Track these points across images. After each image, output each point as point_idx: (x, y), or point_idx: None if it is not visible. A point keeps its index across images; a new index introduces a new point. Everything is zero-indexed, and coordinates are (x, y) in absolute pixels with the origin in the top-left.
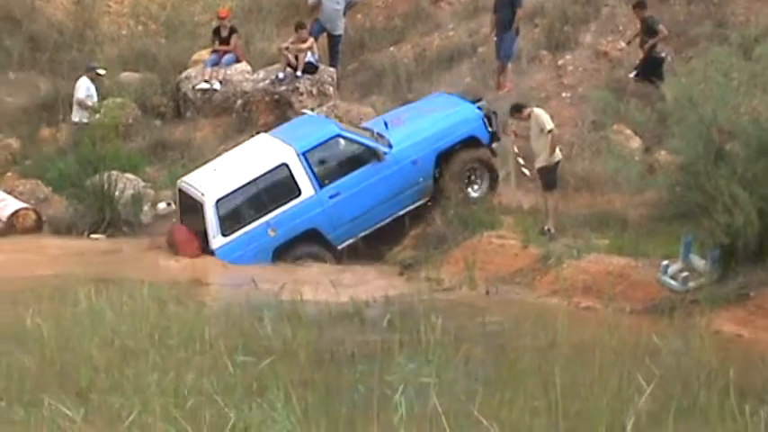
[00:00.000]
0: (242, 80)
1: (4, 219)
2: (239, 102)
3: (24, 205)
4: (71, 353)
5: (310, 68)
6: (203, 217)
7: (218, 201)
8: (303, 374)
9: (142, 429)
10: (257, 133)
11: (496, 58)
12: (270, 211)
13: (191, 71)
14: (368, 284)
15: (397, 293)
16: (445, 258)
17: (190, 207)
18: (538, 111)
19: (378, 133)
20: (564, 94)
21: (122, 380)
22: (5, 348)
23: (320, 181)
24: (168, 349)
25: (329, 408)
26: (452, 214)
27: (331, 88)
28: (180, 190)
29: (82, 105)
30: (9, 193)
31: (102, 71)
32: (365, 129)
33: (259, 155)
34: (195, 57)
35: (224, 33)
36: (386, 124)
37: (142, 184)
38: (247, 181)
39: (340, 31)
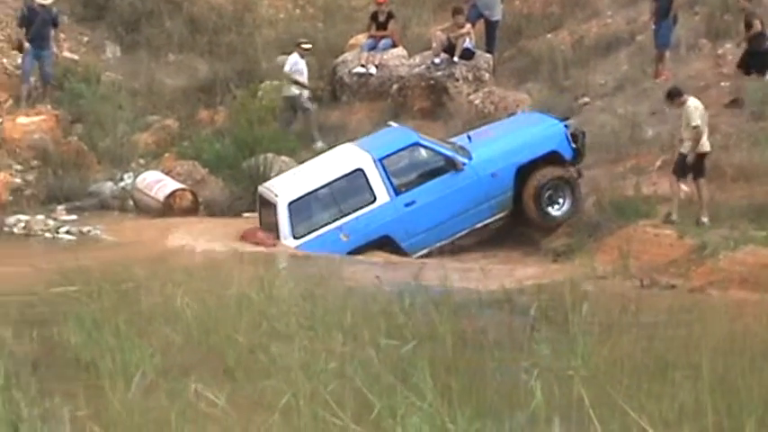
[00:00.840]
0: (398, 65)
1: (162, 199)
2: (395, 86)
3: (181, 186)
4: (218, 334)
5: (467, 54)
6: (277, 219)
7: (290, 203)
8: (447, 360)
9: (287, 414)
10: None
11: (654, 47)
12: (343, 216)
13: (347, 55)
14: (519, 271)
15: (548, 281)
16: (599, 247)
17: (267, 210)
18: (692, 102)
19: (459, 146)
20: (723, 84)
21: (268, 362)
22: (154, 327)
23: (396, 188)
24: (314, 333)
25: (473, 394)
26: (607, 202)
27: (487, 74)
28: (260, 195)
29: (288, 79)
30: (167, 173)
31: (307, 45)
32: (448, 142)
33: (336, 161)
34: (352, 41)
35: (381, 18)
36: (469, 138)
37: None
38: (321, 185)
39: (498, 17)
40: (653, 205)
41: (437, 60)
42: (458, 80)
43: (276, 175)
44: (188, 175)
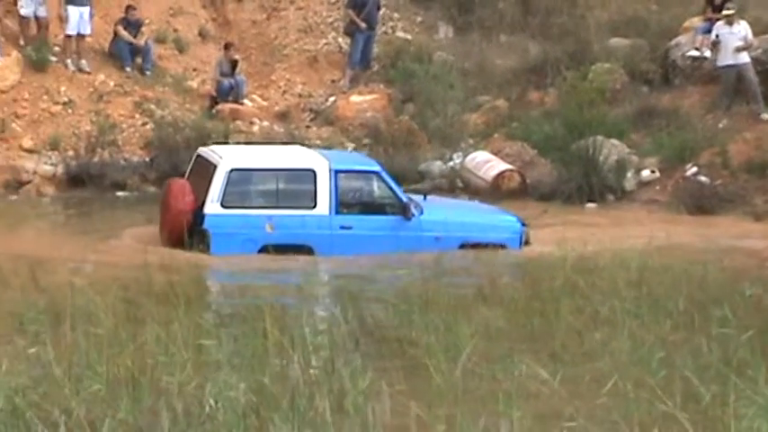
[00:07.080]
0: None
1: (490, 179)
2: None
3: (509, 167)
4: (542, 316)
5: None
6: (211, 180)
7: (232, 169)
8: None
9: (617, 397)
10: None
11: None
12: (278, 208)
13: (681, 38)
14: None
15: None
16: None
17: (202, 171)
18: None
19: (413, 199)
20: None
21: (595, 346)
22: (475, 308)
23: (339, 206)
24: (641, 320)
25: None
26: None
27: None
28: (198, 155)
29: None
30: (495, 154)
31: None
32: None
33: (293, 154)
34: (686, 24)
35: (717, 1)
36: (425, 196)
37: (627, 150)
38: (270, 167)
39: None
40: None
41: None
42: None
43: (605, 158)
44: (517, 155)
